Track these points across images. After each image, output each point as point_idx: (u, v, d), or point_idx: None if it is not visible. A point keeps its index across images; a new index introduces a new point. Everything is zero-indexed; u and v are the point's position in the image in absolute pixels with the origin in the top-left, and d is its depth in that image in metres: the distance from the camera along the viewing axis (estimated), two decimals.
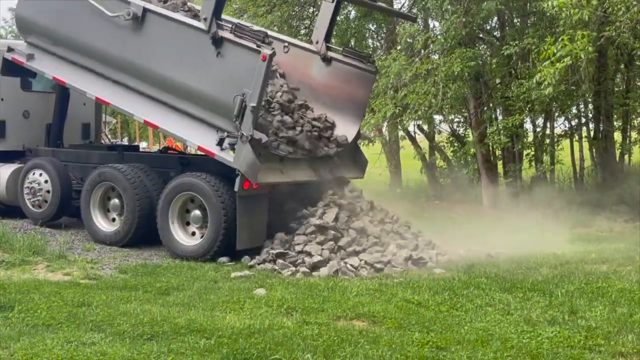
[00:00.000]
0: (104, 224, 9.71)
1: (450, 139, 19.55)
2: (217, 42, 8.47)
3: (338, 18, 13.75)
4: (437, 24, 16.68)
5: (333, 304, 6.27)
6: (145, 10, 9.12)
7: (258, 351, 4.82)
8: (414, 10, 16.65)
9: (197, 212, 8.86)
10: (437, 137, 20.14)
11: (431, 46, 15.03)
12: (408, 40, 14.97)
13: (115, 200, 9.60)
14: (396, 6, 18.46)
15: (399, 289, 6.89)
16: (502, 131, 14.55)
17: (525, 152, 15.69)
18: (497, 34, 16.26)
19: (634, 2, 10.58)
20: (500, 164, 16.52)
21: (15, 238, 8.92)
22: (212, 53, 8.52)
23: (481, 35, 15.79)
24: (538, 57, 11.86)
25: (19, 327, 5.37)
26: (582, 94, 14.24)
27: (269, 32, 11.05)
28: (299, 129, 9.43)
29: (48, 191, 10.48)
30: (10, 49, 10.95)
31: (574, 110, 16.06)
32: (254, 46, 8.20)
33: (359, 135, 10.13)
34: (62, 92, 11.56)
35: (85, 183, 9.87)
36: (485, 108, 15.73)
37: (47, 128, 11.82)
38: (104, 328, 5.36)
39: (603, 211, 11.89)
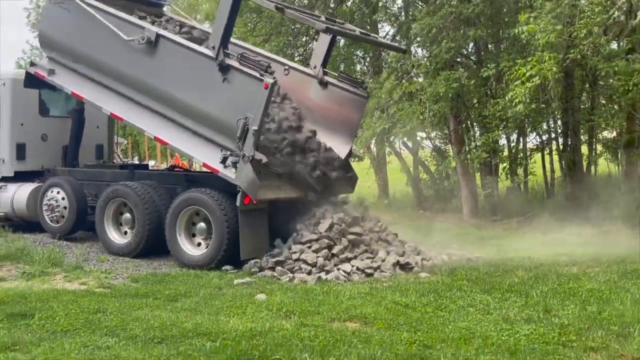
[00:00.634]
0: (116, 237, 9.68)
1: (433, 153, 19.61)
2: (224, 69, 8.49)
3: None
4: (419, 50, 16.82)
5: (328, 307, 6.26)
6: (158, 35, 9.15)
7: (260, 352, 4.81)
8: (397, 38, 16.73)
9: (202, 225, 8.85)
10: (420, 152, 20.19)
11: (414, 70, 15.15)
12: (397, 65, 15.10)
13: (127, 215, 9.59)
14: (382, 34, 18.58)
15: (388, 292, 6.89)
16: (481, 147, 14.63)
17: (501, 166, 15.76)
18: (474, 57, 16.38)
19: (595, 28, 10.70)
20: (478, 176, 16.57)
21: (35, 251, 8.91)
22: (219, 78, 8.53)
23: (458, 59, 15.89)
24: (510, 77, 11.95)
25: (39, 333, 5.35)
26: (552, 112, 14.36)
27: (272, 55, 11.12)
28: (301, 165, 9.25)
29: (65, 207, 10.47)
30: (32, 64, 10.95)
31: (545, 126, 16.14)
32: (258, 75, 8.22)
33: (350, 154, 10.17)
34: (78, 117, 11.56)
35: (99, 199, 9.86)
36: (464, 125, 15.79)
37: (64, 150, 11.82)
38: (117, 333, 5.34)
39: (573, 218, 11.92)
